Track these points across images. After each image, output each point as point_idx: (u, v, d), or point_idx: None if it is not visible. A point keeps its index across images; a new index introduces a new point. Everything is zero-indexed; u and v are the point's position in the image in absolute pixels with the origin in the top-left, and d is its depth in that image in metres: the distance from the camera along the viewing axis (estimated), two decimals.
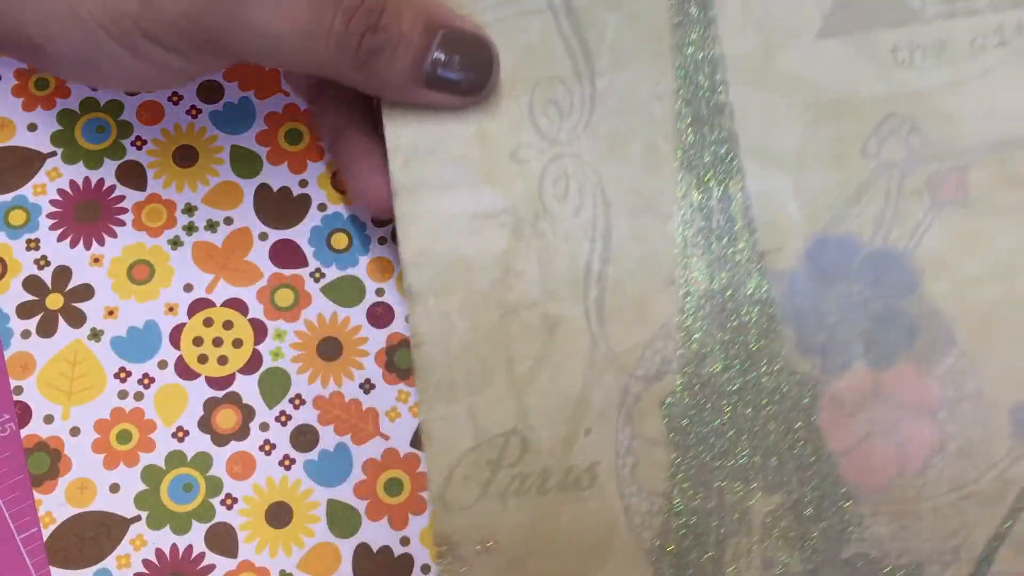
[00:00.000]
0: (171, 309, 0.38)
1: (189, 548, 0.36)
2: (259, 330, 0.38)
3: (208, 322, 0.38)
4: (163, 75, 0.31)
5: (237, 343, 0.38)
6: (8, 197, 0.38)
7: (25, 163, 0.38)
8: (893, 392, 0.31)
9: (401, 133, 0.32)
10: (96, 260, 0.38)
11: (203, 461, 0.37)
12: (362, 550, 0.37)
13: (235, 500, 0.37)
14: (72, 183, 0.38)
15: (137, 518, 0.36)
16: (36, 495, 0.36)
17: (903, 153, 0.31)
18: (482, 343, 0.32)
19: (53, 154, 0.38)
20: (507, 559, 0.32)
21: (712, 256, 0.31)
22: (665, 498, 0.32)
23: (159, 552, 0.36)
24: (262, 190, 0.39)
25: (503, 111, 0.32)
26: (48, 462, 0.36)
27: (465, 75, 0.31)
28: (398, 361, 0.38)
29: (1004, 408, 0.31)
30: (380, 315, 0.38)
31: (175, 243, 0.38)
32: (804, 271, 0.31)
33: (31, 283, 0.37)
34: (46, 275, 0.37)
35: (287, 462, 0.37)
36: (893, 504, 0.31)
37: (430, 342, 0.32)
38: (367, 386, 0.38)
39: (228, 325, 0.38)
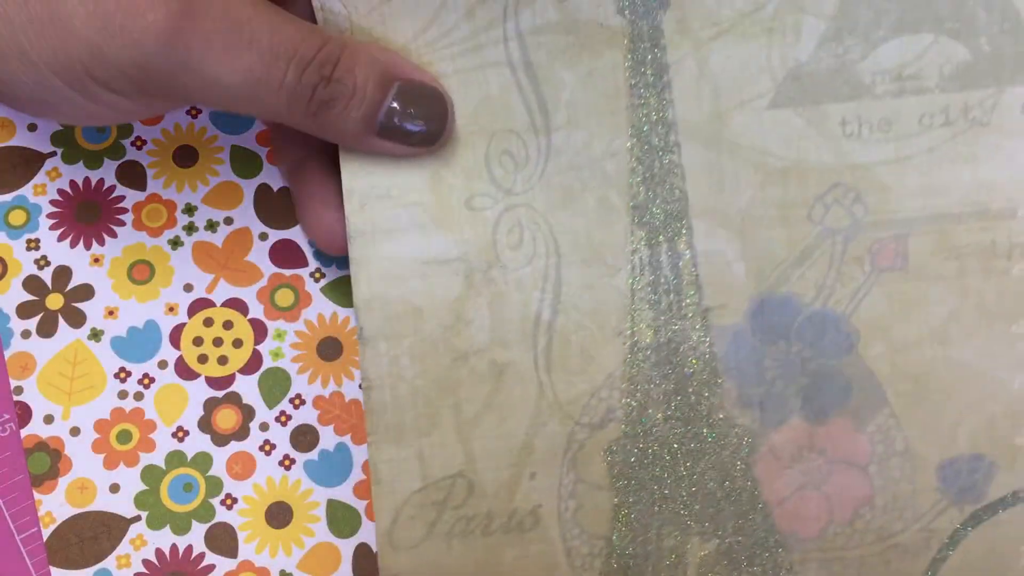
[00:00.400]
0: (171, 309, 0.38)
1: (189, 548, 0.37)
2: (259, 330, 0.38)
3: (208, 322, 0.38)
4: (118, 115, 0.31)
5: (237, 343, 0.38)
6: (8, 197, 0.38)
7: (25, 163, 0.38)
8: (827, 446, 0.32)
9: (358, 177, 0.32)
10: (96, 260, 0.37)
11: (203, 461, 0.37)
12: (362, 550, 0.37)
13: (235, 500, 0.37)
14: (72, 183, 0.38)
15: (137, 518, 0.37)
16: (36, 495, 0.36)
17: (847, 221, 0.32)
18: (431, 388, 0.33)
19: (53, 154, 0.38)
20: None
21: (659, 310, 0.32)
22: (606, 541, 0.33)
23: (159, 552, 0.36)
24: (262, 190, 0.39)
25: (459, 160, 0.32)
26: (48, 462, 0.36)
27: (419, 127, 0.31)
28: None
29: (931, 465, 0.32)
30: None
31: (175, 243, 0.38)
32: (747, 328, 0.32)
33: (31, 283, 0.37)
34: (46, 275, 0.37)
35: (287, 462, 0.37)
36: (823, 552, 0.33)
37: (380, 386, 0.33)
38: None
39: (228, 325, 0.38)
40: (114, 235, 0.38)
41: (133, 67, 0.29)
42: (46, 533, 0.36)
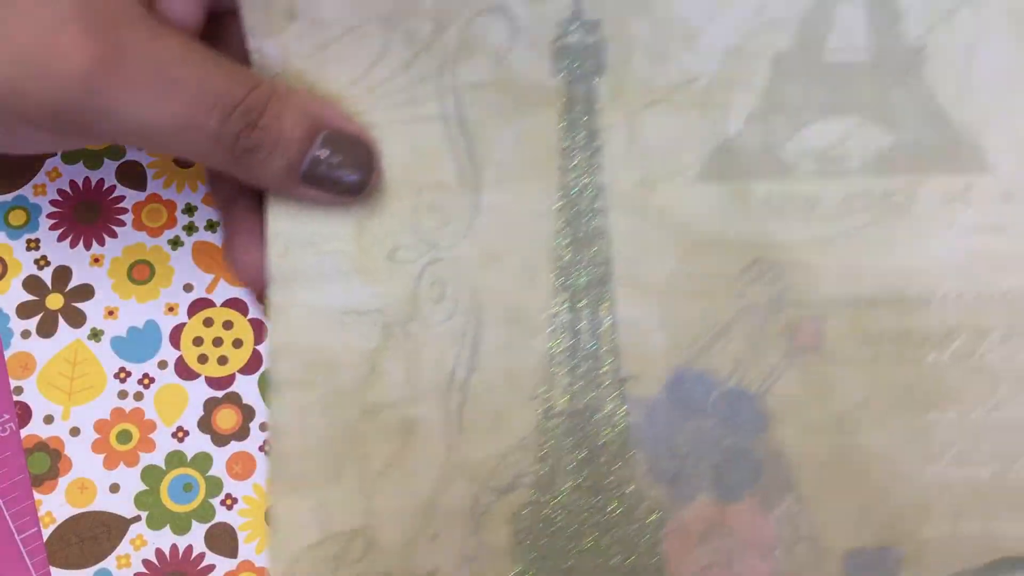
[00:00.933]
0: (171, 309, 0.37)
1: (189, 548, 0.36)
2: (259, 330, 0.38)
3: (208, 322, 0.37)
4: (41, 147, 0.31)
5: (237, 343, 0.38)
6: (8, 197, 0.38)
7: (25, 163, 0.38)
8: (735, 527, 0.32)
9: (283, 221, 0.32)
10: (96, 260, 0.38)
11: (203, 461, 0.37)
12: None
13: (235, 500, 0.36)
14: (72, 183, 0.38)
15: (137, 518, 0.36)
16: (36, 495, 0.36)
17: (766, 298, 0.32)
18: (338, 440, 0.32)
19: (53, 154, 0.38)
20: None
21: (576, 375, 0.32)
22: None
23: (159, 552, 0.36)
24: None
25: (386, 210, 0.32)
26: (48, 462, 0.36)
27: (344, 176, 0.31)
28: None
29: (837, 554, 0.32)
30: None
31: (175, 243, 0.38)
32: (662, 400, 0.32)
33: (31, 283, 0.37)
34: (46, 275, 0.37)
35: None
36: None
37: (285, 433, 0.32)
38: None
39: (228, 325, 0.38)
40: (114, 235, 0.38)
41: (53, 108, 0.29)
42: (46, 533, 0.36)
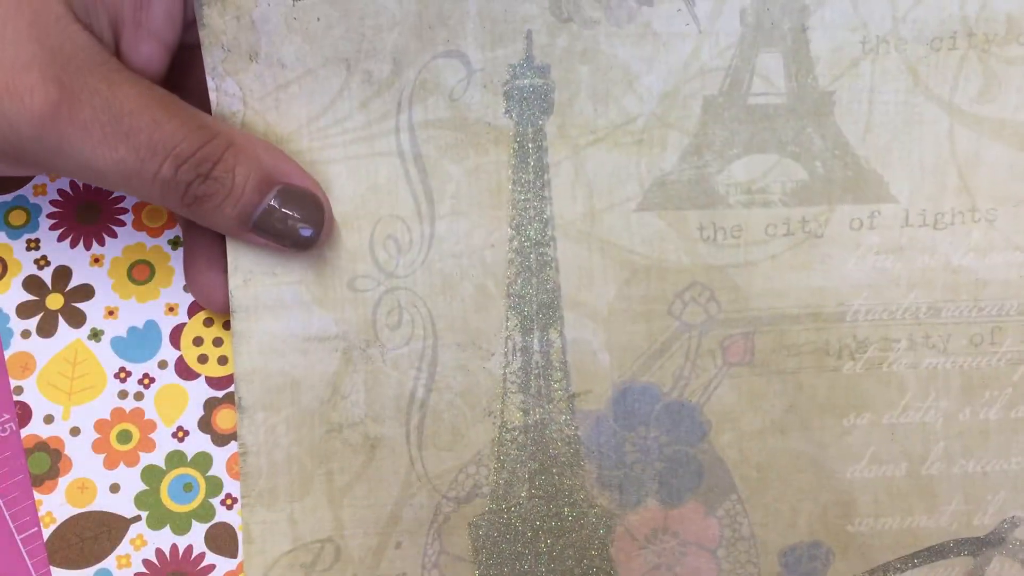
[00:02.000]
0: (171, 309, 0.37)
1: (189, 548, 0.36)
2: None
3: (208, 322, 0.37)
4: (1, 172, 0.32)
5: None
6: (8, 197, 0.37)
7: None
8: (680, 528, 0.35)
9: (242, 253, 0.33)
10: (96, 260, 0.38)
11: (203, 461, 0.37)
12: None
13: (235, 500, 0.36)
14: (72, 183, 0.38)
15: (137, 518, 0.36)
16: (36, 495, 0.36)
17: (702, 317, 0.35)
18: (305, 456, 0.33)
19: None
20: None
21: (528, 393, 0.34)
22: None
23: (159, 552, 0.36)
24: None
25: (344, 242, 0.34)
26: (48, 462, 0.36)
27: (296, 229, 0.32)
28: None
29: (774, 551, 0.35)
30: None
31: (175, 243, 0.38)
32: (609, 414, 0.34)
33: (31, 283, 0.37)
34: (46, 275, 0.37)
35: None
36: None
37: (256, 452, 0.33)
38: None
39: (228, 325, 0.37)
40: (114, 235, 0.38)
41: (7, 144, 0.30)
42: (46, 533, 0.36)
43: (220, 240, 0.34)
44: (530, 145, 0.34)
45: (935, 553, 0.35)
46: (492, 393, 0.34)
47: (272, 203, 0.32)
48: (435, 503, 0.34)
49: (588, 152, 0.34)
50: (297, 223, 0.32)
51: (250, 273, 0.33)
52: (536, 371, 0.34)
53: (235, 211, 0.31)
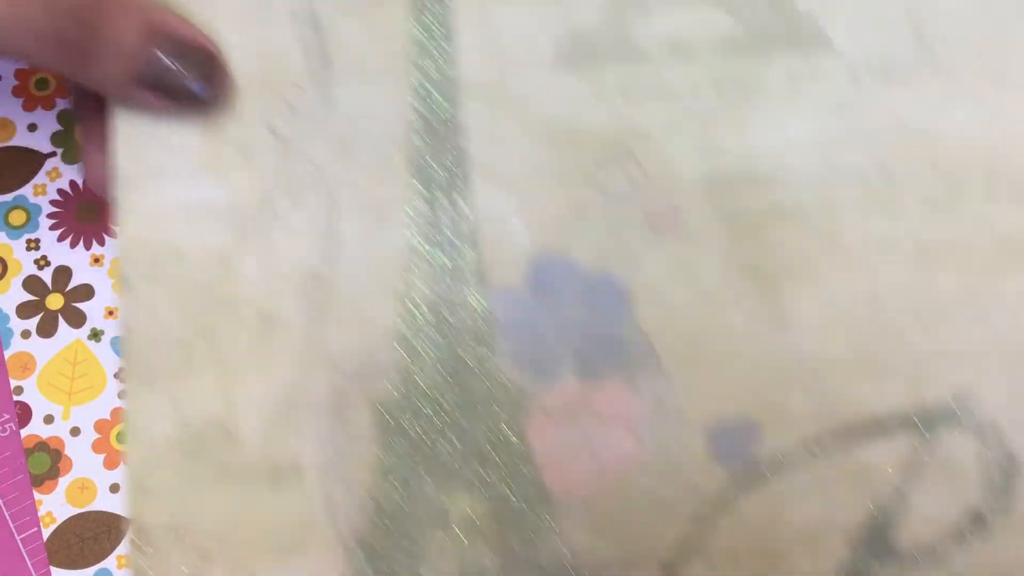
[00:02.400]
0: None
1: None
2: None
3: None
4: None
5: None
6: (8, 197, 0.38)
7: (25, 163, 0.38)
8: (600, 407, 0.32)
9: (127, 118, 0.31)
10: (96, 260, 0.38)
11: None
12: None
13: None
14: (72, 183, 0.38)
15: None
16: (36, 495, 0.36)
17: (624, 184, 0.32)
18: (192, 335, 0.31)
19: (53, 154, 0.38)
20: (203, 547, 0.31)
21: (436, 267, 0.32)
22: (368, 495, 0.31)
23: None
24: None
25: (236, 109, 0.32)
26: (48, 462, 0.36)
27: (187, 84, 0.30)
28: None
29: (699, 428, 0.32)
30: None
31: None
32: (524, 288, 0.32)
33: (31, 283, 0.37)
34: (46, 275, 0.37)
35: None
36: (592, 514, 0.32)
37: (138, 330, 0.31)
38: None
39: None
40: (114, 235, 0.37)
41: None
42: (46, 533, 0.36)
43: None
44: (433, 1, 0.32)
45: (879, 426, 0.31)
46: (397, 268, 0.32)
47: (160, 55, 0.30)
48: (336, 383, 0.31)
49: (497, 6, 0.32)
50: (188, 79, 0.30)
51: (135, 139, 0.31)
52: (444, 243, 0.32)
53: (120, 65, 0.30)
